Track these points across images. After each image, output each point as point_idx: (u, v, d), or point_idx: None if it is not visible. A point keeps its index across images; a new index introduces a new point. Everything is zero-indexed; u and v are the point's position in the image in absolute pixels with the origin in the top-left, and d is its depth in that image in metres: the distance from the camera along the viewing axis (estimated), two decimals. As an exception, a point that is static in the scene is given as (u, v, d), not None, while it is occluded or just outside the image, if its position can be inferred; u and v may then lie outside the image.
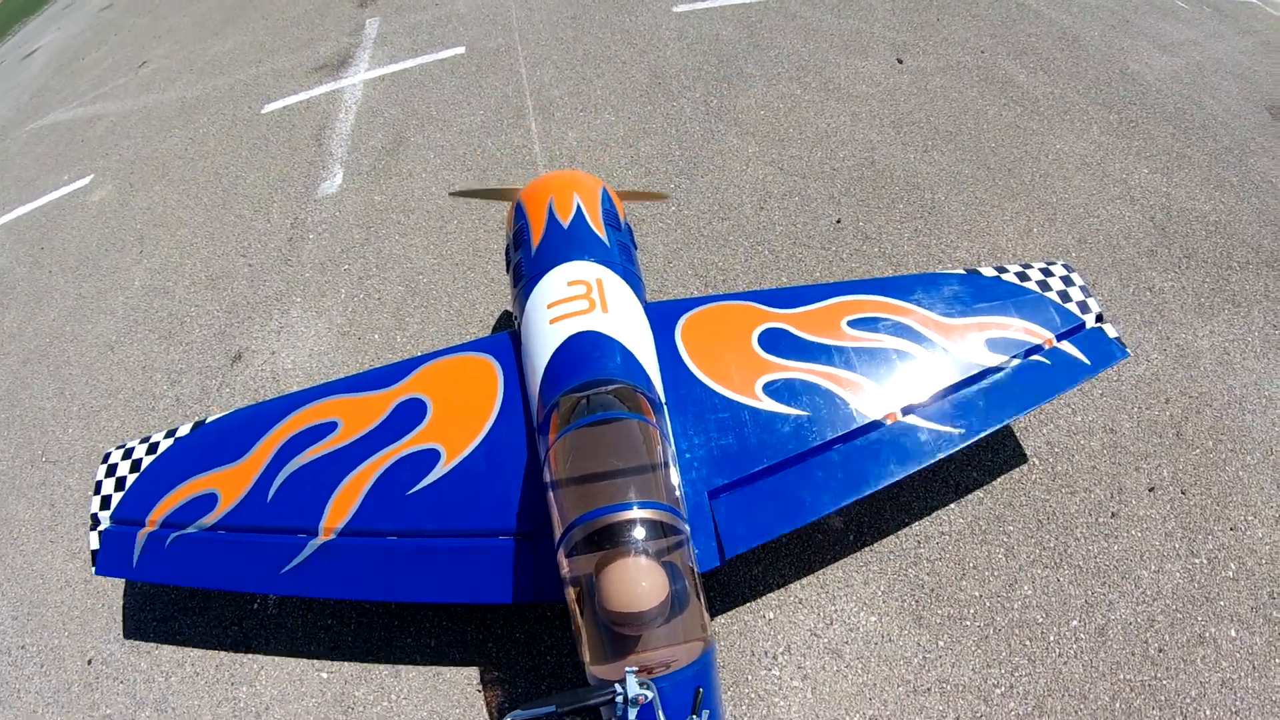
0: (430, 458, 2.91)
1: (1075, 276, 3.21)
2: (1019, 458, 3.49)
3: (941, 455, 2.78)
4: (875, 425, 2.83)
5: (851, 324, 3.08)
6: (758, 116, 5.74)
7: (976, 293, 3.17)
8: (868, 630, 3.02)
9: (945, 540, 3.25)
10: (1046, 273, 3.23)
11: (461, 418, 2.99)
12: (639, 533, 2.18)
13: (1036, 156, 4.98)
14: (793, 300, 3.18)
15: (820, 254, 4.65)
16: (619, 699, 1.93)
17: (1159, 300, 4.03)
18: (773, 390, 2.90)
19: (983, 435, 2.83)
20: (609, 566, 2.13)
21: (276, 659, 3.34)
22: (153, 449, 3.28)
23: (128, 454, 3.30)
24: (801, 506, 2.67)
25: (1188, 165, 4.80)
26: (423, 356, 3.25)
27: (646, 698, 1.94)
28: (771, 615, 3.11)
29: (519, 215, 3.45)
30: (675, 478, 2.52)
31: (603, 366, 2.72)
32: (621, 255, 3.25)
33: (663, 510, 2.26)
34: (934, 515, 3.34)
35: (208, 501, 3.06)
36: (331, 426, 3.10)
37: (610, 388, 2.62)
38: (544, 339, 2.88)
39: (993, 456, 3.50)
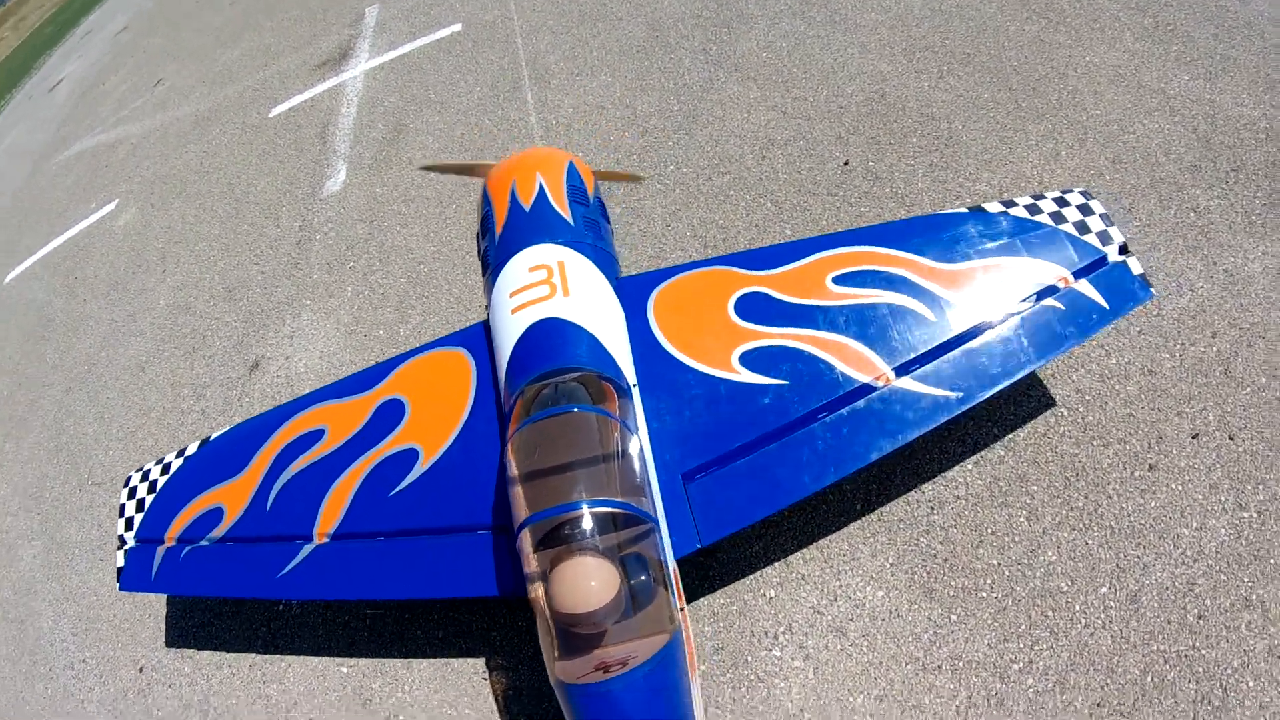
0: (409, 457, 2.90)
1: (1095, 204, 2.84)
2: (1045, 407, 3.19)
3: (938, 421, 2.54)
4: (864, 390, 2.61)
5: (838, 280, 2.83)
6: (760, 59, 5.39)
7: (980, 233, 2.85)
8: (874, 606, 2.85)
9: (961, 505, 3.02)
10: (1061, 202, 2.87)
11: (437, 415, 2.96)
12: (587, 531, 2.10)
13: (1064, 72, 4.47)
14: (773, 260, 2.95)
15: (826, 200, 4.35)
16: None
17: (1204, 221, 3.57)
18: (750, 360, 2.72)
19: (987, 396, 2.56)
20: (557, 567, 2.06)
21: (302, 656, 3.46)
22: (166, 469, 3.41)
23: (145, 476, 3.45)
24: (780, 487, 2.49)
25: (1233, 68, 4.20)
26: (402, 355, 3.23)
27: None
28: (772, 593, 2.98)
29: (485, 201, 3.35)
30: (640, 466, 2.40)
31: (563, 354, 2.61)
32: (590, 233, 3.09)
33: (615, 506, 2.16)
34: (949, 477, 3.11)
35: (215, 515, 3.17)
36: (319, 434, 3.13)
37: (571, 376, 2.51)
38: (507, 329, 2.79)
39: (1015, 409, 3.22)
